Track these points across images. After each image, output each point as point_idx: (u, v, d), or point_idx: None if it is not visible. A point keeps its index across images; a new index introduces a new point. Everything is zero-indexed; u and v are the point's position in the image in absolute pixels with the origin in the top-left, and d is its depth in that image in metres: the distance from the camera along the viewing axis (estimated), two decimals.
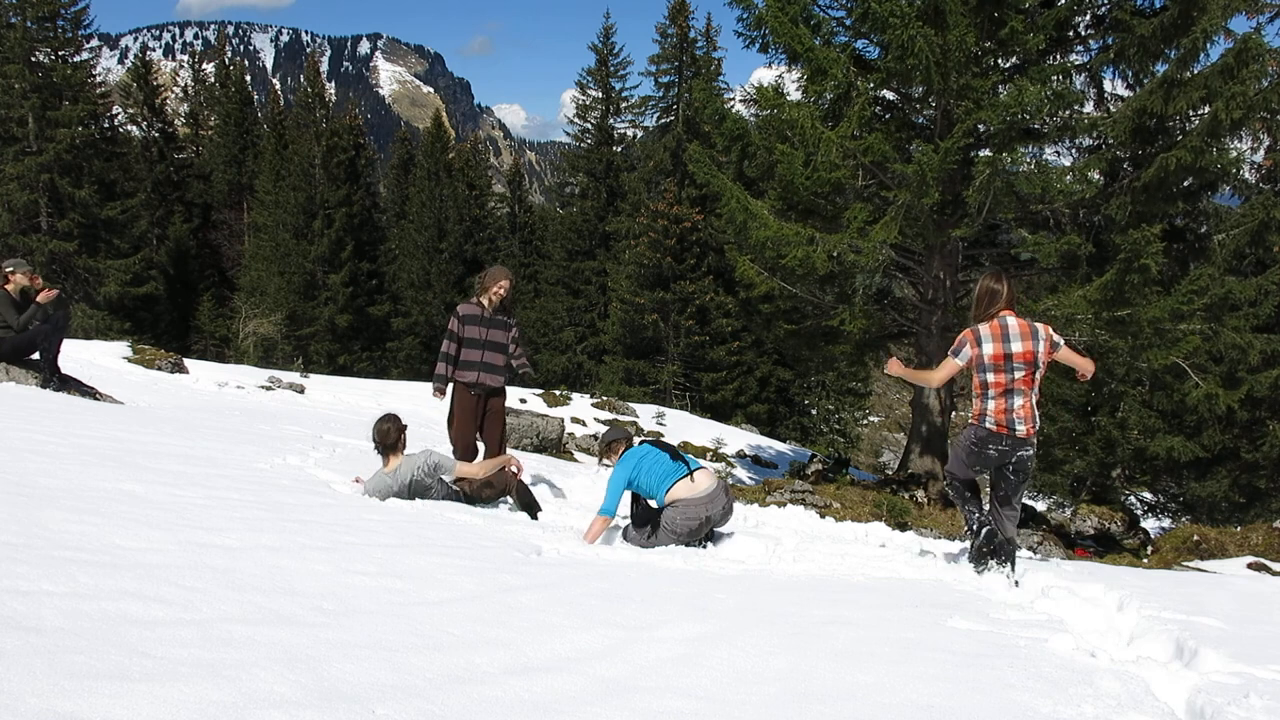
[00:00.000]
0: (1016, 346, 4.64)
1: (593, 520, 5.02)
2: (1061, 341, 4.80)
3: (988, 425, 4.72)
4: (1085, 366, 4.89)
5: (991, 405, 4.70)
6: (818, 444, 30.93)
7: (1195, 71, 10.28)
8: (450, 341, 6.47)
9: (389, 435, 5.39)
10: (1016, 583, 4.73)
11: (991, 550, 4.88)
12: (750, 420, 28.88)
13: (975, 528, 4.98)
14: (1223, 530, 10.02)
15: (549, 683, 2.26)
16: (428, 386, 18.82)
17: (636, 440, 5.54)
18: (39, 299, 7.58)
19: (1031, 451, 4.74)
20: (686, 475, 5.16)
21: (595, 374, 34.00)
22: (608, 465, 5.46)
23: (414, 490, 5.38)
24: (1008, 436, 4.69)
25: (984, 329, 4.72)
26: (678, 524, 5.08)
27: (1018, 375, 4.65)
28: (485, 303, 6.52)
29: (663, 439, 5.34)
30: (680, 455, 5.31)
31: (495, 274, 6.57)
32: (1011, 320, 4.71)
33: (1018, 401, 4.67)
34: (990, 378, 4.68)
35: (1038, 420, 4.75)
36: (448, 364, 6.48)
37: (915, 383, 5.22)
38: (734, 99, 21.42)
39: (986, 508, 5.03)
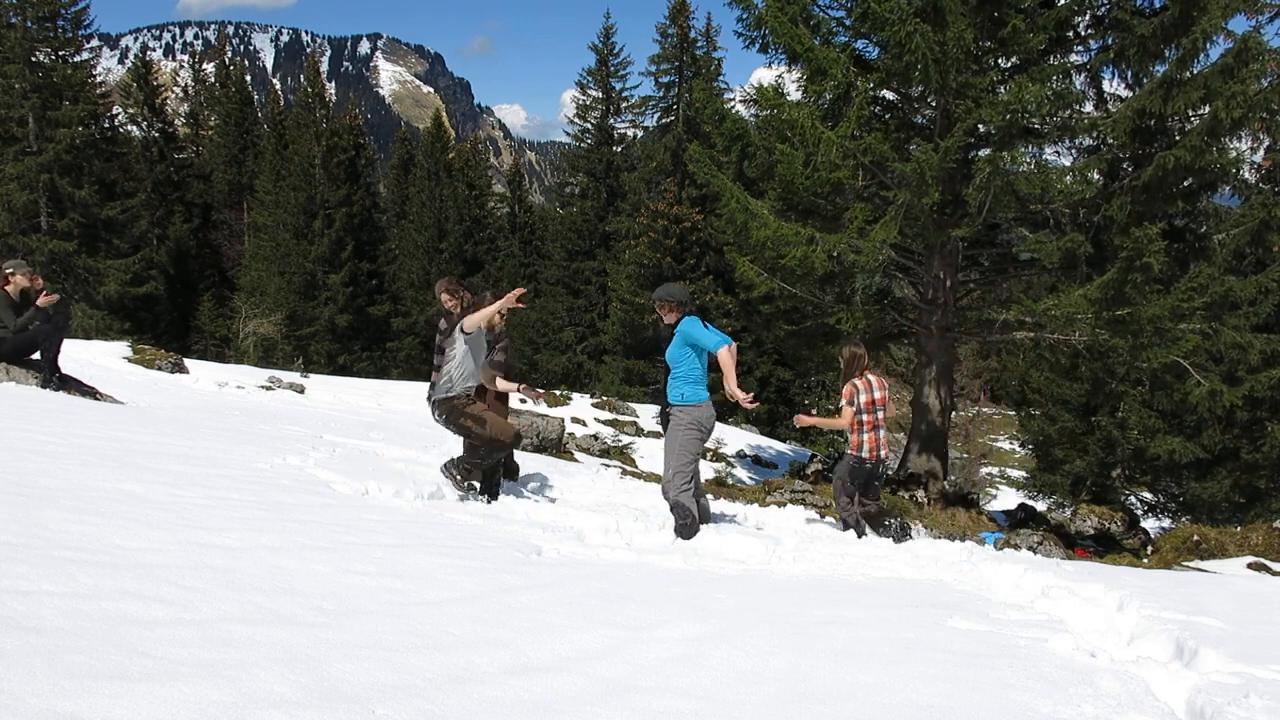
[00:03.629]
0: (876, 394, 6.71)
1: (723, 352, 5.50)
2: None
3: (863, 455, 6.73)
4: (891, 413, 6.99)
5: (866, 439, 6.69)
6: (818, 444, 30.90)
7: (1195, 71, 10.27)
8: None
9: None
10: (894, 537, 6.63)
11: (896, 528, 6.82)
12: (750, 420, 28.85)
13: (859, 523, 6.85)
14: (1223, 530, 10.01)
15: (549, 683, 2.26)
16: (428, 386, 18.81)
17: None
18: (39, 303, 7.53)
19: (884, 468, 6.92)
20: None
21: (595, 374, 33.95)
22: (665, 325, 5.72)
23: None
24: (874, 460, 6.75)
25: (859, 383, 6.72)
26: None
27: (879, 415, 6.72)
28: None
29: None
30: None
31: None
32: (871, 377, 6.78)
33: (881, 435, 6.74)
34: (865, 417, 6.68)
35: (885, 448, 6.85)
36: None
37: (826, 428, 6.58)
38: (734, 99, 21.41)
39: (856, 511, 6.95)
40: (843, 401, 6.72)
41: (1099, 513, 11.85)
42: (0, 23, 28.76)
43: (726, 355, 5.55)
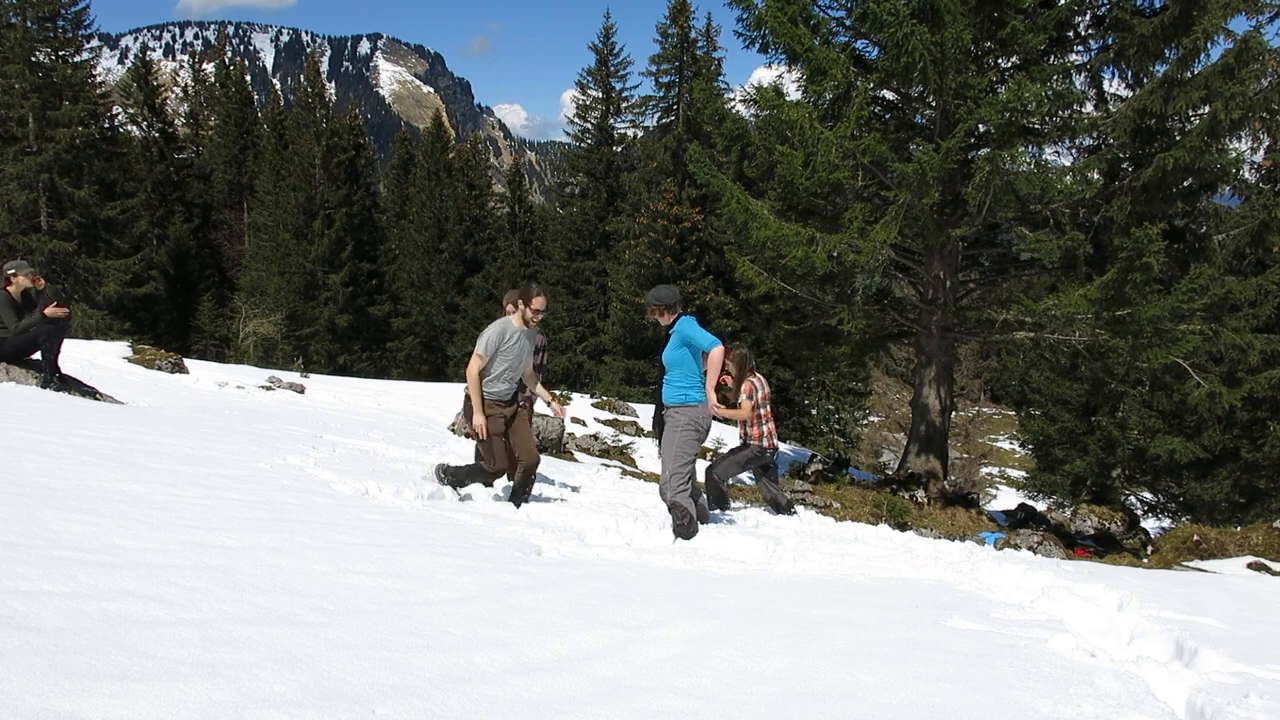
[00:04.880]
0: (765, 391, 7.58)
1: (714, 352, 5.58)
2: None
3: (763, 444, 7.59)
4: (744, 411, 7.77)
5: (765, 430, 7.55)
6: (818, 444, 30.87)
7: (1195, 71, 10.27)
8: None
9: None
10: (794, 512, 7.86)
11: (787, 505, 7.85)
12: None
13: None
14: (1223, 530, 10.01)
15: (549, 683, 2.26)
16: (428, 386, 18.73)
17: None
18: (47, 312, 7.48)
19: (776, 453, 7.79)
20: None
21: (595, 374, 33.94)
22: (659, 321, 5.82)
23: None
24: (772, 449, 7.66)
25: (756, 380, 7.53)
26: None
27: (767, 409, 7.57)
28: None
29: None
30: None
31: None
32: (759, 376, 7.61)
33: (772, 426, 7.62)
34: (762, 411, 7.52)
35: (775, 437, 7.72)
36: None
37: (734, 419, 7.59)
38: (734, 99, 21.38)
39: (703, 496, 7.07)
40: (743, 396, 7.50)
41: (1099, 513, 11.86)
42: (0, 23, 28.75)
43: (717, 356, 5.62)
